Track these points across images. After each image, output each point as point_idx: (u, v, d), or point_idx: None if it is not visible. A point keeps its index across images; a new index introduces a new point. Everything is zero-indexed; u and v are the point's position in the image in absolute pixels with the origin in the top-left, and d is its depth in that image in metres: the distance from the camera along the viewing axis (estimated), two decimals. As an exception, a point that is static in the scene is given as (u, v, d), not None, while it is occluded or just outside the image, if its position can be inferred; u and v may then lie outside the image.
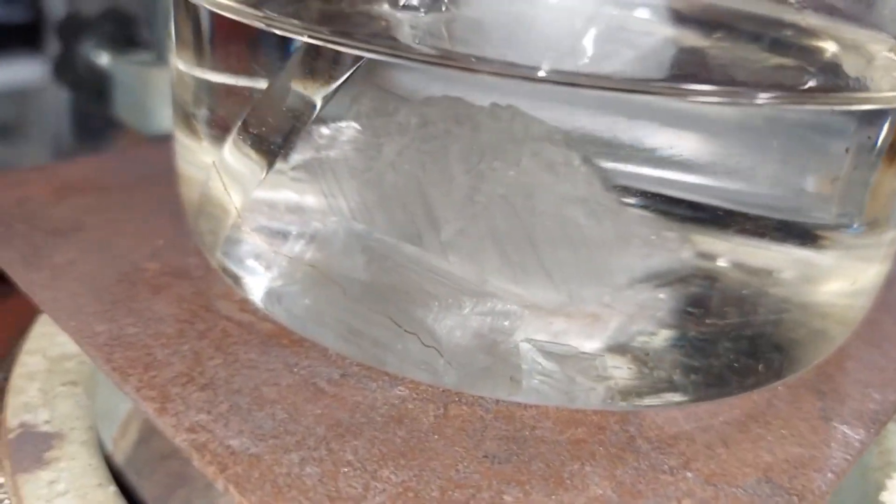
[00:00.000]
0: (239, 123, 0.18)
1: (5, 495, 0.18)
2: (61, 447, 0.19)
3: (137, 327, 0.18)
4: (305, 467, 0.15)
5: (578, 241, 0.19)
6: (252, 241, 0.19)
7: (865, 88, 0.19)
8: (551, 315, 0.18)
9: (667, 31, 0.24)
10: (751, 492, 0.16)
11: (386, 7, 0.20)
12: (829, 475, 0.17)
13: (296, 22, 0.17)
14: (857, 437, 0.18)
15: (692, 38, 0.24)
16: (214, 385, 0.17)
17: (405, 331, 0.17)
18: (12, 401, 0.20)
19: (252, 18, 0.17)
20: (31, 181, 0.24)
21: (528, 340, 0.18)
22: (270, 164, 0.18)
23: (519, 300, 0.18)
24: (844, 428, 0.18)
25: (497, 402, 0.18)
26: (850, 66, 0.21)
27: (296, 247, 0.19)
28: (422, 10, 0.20)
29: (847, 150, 0.16)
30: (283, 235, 0.19)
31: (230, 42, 0.19)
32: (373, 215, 0.18)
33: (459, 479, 0.15)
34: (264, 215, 0.19)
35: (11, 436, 0.19)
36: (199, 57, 0.19)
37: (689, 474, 0.16)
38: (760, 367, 0.19)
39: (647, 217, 0.18)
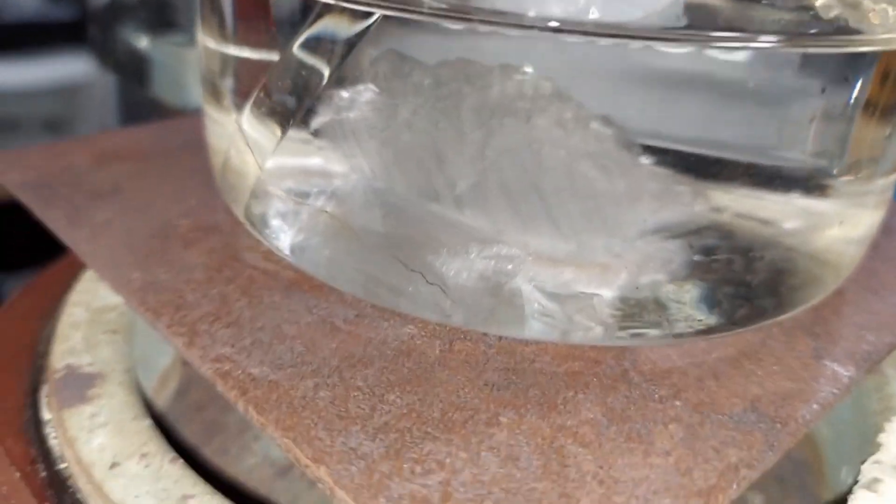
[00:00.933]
0: (255, 93, 0.20)
1: (52, 430, 0.20)
2: (102, 386, 0.20)
3: (169, 274, 0.20)
4: (319, 392, 0.16)
5: (587, 194, 0.20)
6: (275, 200, 0.21)
7: (858, 32, 0.20)
8: (561, 264, 0.20)
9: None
10: (736, 419, 0.17)
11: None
12: (815, 406, 0.17)
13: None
14: (846, 373, 0.19)
15: None
16: (239, 323, 0.18)
17: (412, 270, 0.18)
18: (58, 347, 0.21)
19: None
20: (75, 150, 0.26)
21: (530, 281, 0.19)
22: (284, 129, 0.20)
23: (529, 249, 0.19)
24: (835, 366, 0.19)
25: (500, 338, 0.19)
26: (841, 13, 0.22)
27: (317, 203, 0.20)
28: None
29: (823, 91, 0.17)
30: (305, 193, 0.20)
31: (247, 15, 0.20)
32: (391, 173, 0.20)
33: (460, 403, 0.16)
34: (286, 175, 0.20)
35: (57, 376, 0.20)
36: (221, 31, 0.21)
37: (677, 403, 0.17)
38: (755, 307, 0.20)
39: (658, 172, 0.19)
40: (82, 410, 0.19)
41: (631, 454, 0.16)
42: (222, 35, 0.21)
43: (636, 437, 0.16)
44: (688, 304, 0.20)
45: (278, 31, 0.20)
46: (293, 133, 0.20)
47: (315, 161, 0.20)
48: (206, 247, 0.21)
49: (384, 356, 0.18)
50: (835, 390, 0.18)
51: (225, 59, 0.21)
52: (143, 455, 0.18)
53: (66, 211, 0.22)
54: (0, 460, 0.19)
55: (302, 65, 0.19)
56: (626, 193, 0.20)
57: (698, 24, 0.22)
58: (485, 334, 0.19)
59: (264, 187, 0.20)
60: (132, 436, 0.19)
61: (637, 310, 0.19)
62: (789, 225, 0.19)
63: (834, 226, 0.19)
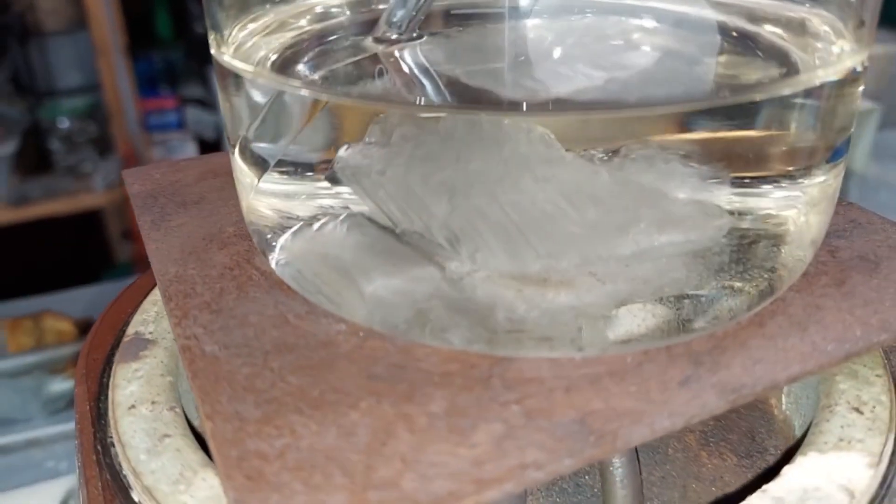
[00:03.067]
0: (239, 139, 0.25)
1: (111, 378, 0.27)
2: (152, 349, 0.27)
3: (196, 270, 0.26)
4: (242, 369, 0.22)
5: (554, 223, 0.23)
6: (261, 225, 0.26)
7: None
8: (529, 282, 0.23)
9: (665, 41, 0.27)
10: (558, 427, 0.19)
11: (370, 41, 0.26)
12: (646, 429, 0.19)
13: (295, 82, 0.24)
14: (702, 403, 0.20)
15: (688, 46, 0.27)
16: (221, 311, 0.24)
17: (344, 283, 0.23)
18: (136, 317, 0.29)
19: (252, 75, 0.24)
20: (189, 167, 0.33)
21: (441, 297, 0.23)
22: (262, 171, 0.25)
23: (496, 271, 0.23)
24: (698, 394, 0.20)
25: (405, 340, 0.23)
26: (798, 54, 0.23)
27: (296, 230, 0.25)
28: (402, 40, 0.25)
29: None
30: (287, 221, 0.26)
31: (228, 77, 0.25)
32: (385, 208, 0.24)
33: (339, 387, 0.21)
34: (266, 208, 0.26)
35: (127, 339, 0.28)
36: (220, 83, 0.26)
37: (515, 407, 0.20)
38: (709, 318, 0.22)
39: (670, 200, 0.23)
40: (130, 366, 0.26)
41: (445, 443, 0.19)
42: (220, 85, 0.27)
43: (458, 431, 0.19)
44: (631, 319, 0.22)
45: (257, 90, 0.25)
46: (273, 175, 0.25)
47: (292, 198, 0.25)
48: (234, 250, 0.27)
49: (307, 346, 0.23)
50: (678, 417, 0.20)
51: (223, 106, 0.27)
52: (153, 402, 0.25)
53: (155, 216, 0.30)
54: (82, 397, 0.27)
55: (276, 117, 0.25)
56: (601, 222, 0.23)
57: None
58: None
59: (250, 216, 0.26)
60: (153, 388, 0.25)
61: (555, 325, 0.22)
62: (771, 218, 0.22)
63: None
